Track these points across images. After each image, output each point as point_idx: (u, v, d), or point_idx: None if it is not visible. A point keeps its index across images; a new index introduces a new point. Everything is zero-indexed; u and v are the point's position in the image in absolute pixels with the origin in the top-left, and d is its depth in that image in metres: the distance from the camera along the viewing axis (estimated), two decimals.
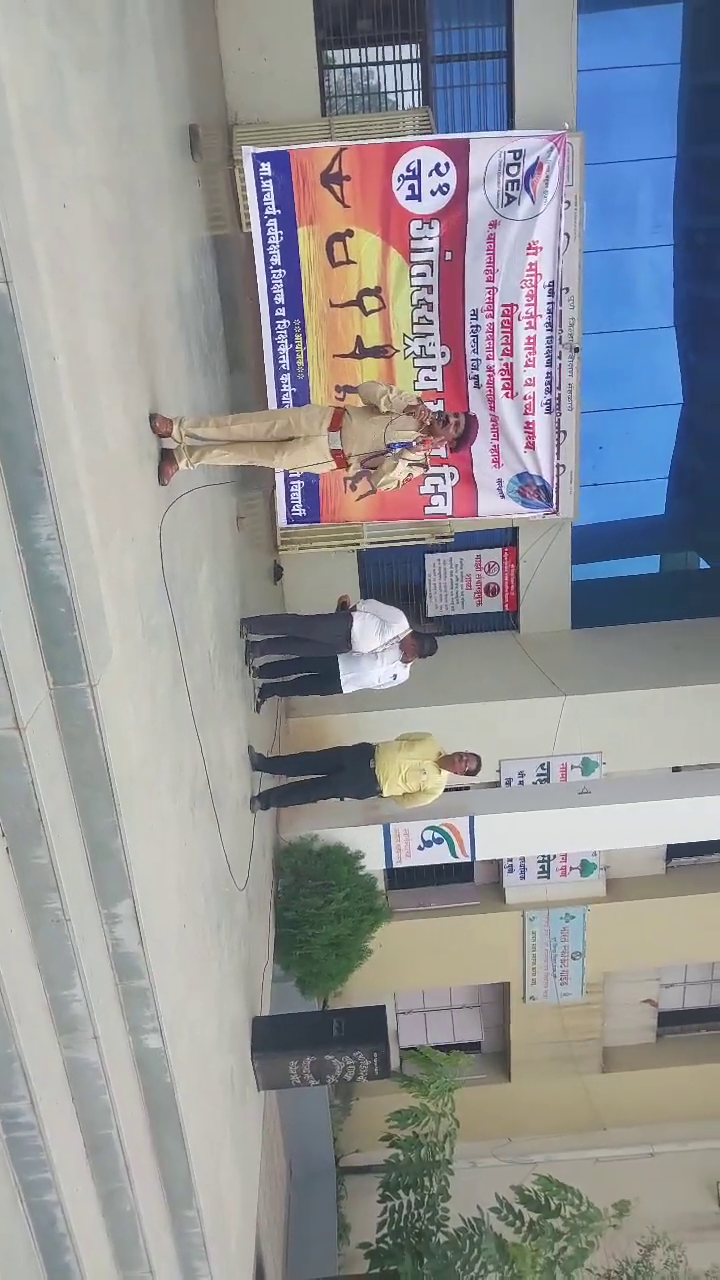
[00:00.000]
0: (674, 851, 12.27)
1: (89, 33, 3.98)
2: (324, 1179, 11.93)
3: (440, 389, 7.80)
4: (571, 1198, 8.35)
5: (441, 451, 5.75)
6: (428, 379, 7.78)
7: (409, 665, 7.28)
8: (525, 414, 7.73)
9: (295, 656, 7.60)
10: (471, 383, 7.74)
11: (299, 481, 8.12)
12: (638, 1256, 9.67)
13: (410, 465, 5.44)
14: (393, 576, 10.92)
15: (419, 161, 7.09)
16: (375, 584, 10.75)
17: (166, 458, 4.85)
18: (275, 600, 9.96)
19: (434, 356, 7.76)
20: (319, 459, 5.39)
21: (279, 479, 8.12)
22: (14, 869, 3.27)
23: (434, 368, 7.77)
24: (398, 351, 7.70)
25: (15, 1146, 3.40)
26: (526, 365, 7.62)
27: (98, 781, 3.53)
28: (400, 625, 7.14)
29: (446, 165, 7.11)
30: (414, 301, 7.57)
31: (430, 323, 7.64)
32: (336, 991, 9.28)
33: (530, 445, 7.81)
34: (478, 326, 7.60)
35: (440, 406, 7.59)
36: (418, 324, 7.64)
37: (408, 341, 7.68)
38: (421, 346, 7.71)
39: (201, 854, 5.22)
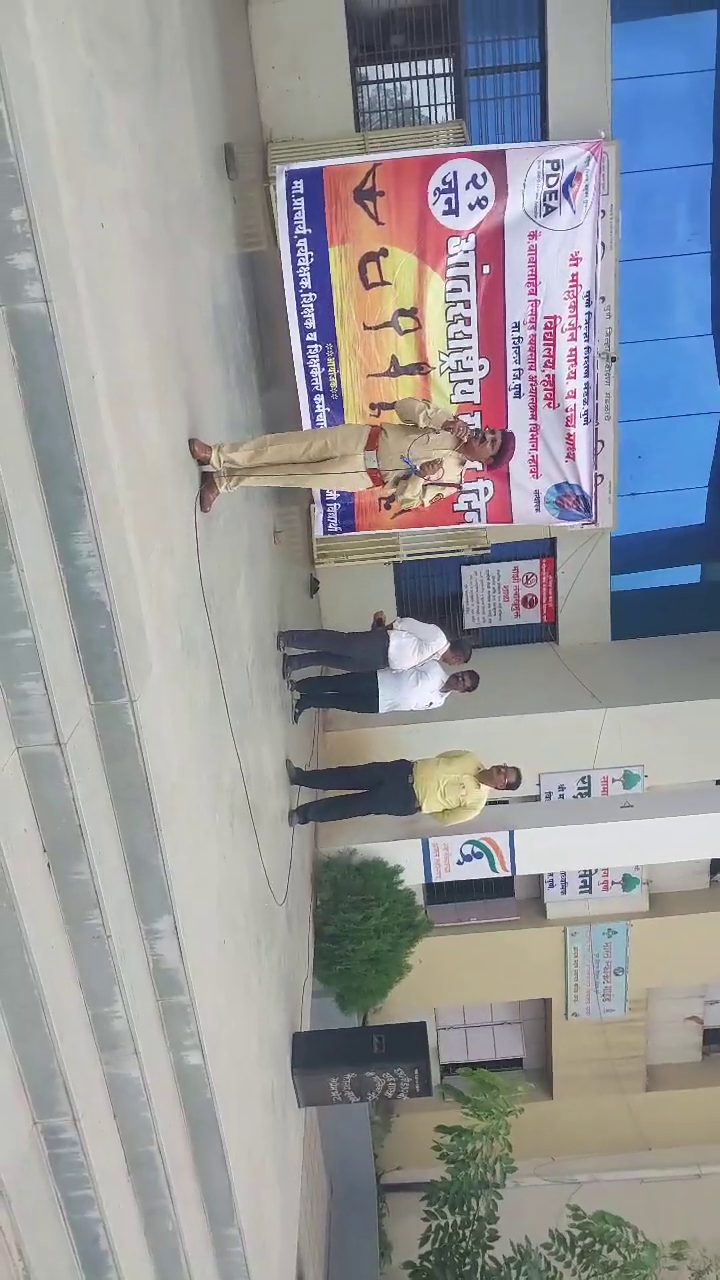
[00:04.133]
0: (718, 866, 12.08)
1: (125, 52, 4.02)
2: (365, 1197, 11.82)
3: (477, 401, 7.75)
4: (627, 1234, 8.15)
5: (478, 466, 5.71)
6: (464, 393, 7.73)
7: (446, 695, 7.29)
8: (566, 425, 7.67)
9: (334, 675, 7.61)
10: (512, 393, 7.68)
11: (335, 497, 8.15)
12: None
13: (439, 486, 5.42)
14: (429, 589, 10.88)
15: (455, 174, 7.06)
16: (412, 596, 10.72)
17: (207, 484, 4.85)
18: (312, 613, 9.97)
19: (471, 370, 7.70)
20: (356, 478, 5.39)
21: (315, 493, 8.13)
22: (55, 885, 3.27)
23: (471, 381, 7.72)
24: (433, 368, 7.65)
25: (57, 1163, 3.40)
26: (568, 377, 7.57)
27: (138, 797, 3.54)
28: (439, 642, 7.16)
29: (484, 177, 7.06)
30: (449, 317, 7.52)
31: (468, 337, 7.58)
32: (376, 1007, 9.22)
33: (570, 455, 7.75)
34: (519, 339, 7.54)
35: (477, 422, 7.56)
36: (454, 339, 7.59)
37: (443, 357, 7.63)
38: (458, 361, 7.65)
39: (241, 869, 5.21)
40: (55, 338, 2.86)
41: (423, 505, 5.47)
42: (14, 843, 2.98)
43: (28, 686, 2.97)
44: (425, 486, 5.30)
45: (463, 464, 5.44)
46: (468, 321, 7.51)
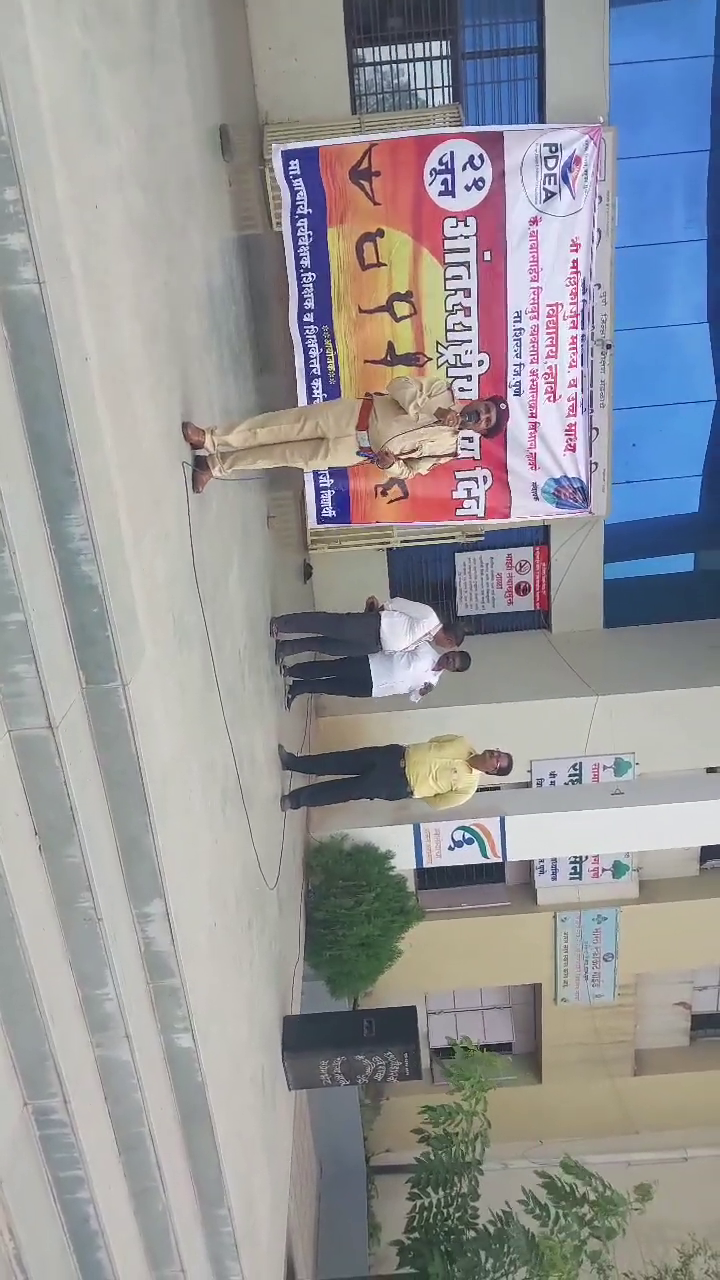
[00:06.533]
0: (708, 853, 12.14)
1: (120, 34, 3.99)
2: (355, 1178, 11.92)
3: (476, 399, 7.72)
4: (594, 1183, 8.32)
5: (475, 444, 5.71)
6: (462, 389, 7.64)
7: (440, 674, 7.29)
8: (567, 416, 7.63)
9: (327, 659, 7.61)
10: (512, 391, 7.61)
11: (329, 483, 8.10)
12: (677, 1264, 9.53)
13: (433, 458, 5.44)
14: (423, 575, 10.88)
15: (451, 154, 7.02)
16: (405, 582, 10.72)
17: (200, 465, 4.85)
18: (305, 599, 9.96)
19: (470, 365, 7.61)
20: (350, 460, 5.38)
21: (308, 479, 8.11)
22: (47, 868, 3.28)
23: (470, 376, 7.63)
24: (430, 359, 7.59)
25: (48, 1144, 3.42)
26: (570, 366, 7.53)
27: (129, 781, 3.54)
28: (430, 621, 7.14)
29: (482, 158, 7.02)
30: (449, 307, 7.45)
31: (467, 328, 7.50)
32: (367, 992, 9.26)
33: (570, 448, 7.72)
34: (521, 329, 7.48)
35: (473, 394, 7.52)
36: (452, 330, 7.51)
37: (441, 349, 7.56)
38: (457, 355, 7.57)
39: (232, 853, 5.22)
40: (48, 319, 2.85)
41: (420, 472, 5.50)
42: (5, 826, 2.99)
43: (20, 669, 2.97)
44: (420, 459, 5.33)
45: (457, 434, 5.44)
46: (468, 312, 7.44)
